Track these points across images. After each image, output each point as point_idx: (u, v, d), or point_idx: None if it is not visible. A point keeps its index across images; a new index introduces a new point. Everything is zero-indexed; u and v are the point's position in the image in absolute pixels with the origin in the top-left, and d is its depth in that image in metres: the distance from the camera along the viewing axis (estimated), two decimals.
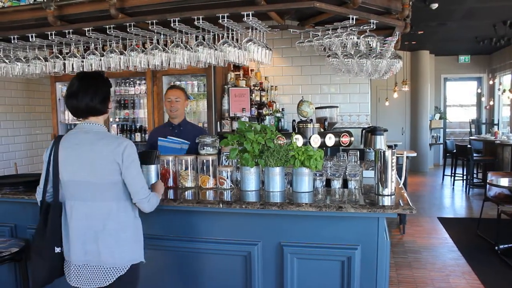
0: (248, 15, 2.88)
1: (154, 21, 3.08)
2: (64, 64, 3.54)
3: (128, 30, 3.19)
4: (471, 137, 10.74)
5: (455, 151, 9.36)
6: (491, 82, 11.91)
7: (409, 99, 11.78)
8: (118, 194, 2.22)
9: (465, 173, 8.99)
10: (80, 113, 2.28)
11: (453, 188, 9.25)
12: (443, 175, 10.00)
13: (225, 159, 3.04)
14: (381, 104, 11.27)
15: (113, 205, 2.21)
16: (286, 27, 3.59)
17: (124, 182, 2.21)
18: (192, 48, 3.18)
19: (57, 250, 2.27)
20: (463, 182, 9.16)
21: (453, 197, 8.55)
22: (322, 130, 3.77)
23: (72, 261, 2.23)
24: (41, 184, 2.35)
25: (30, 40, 3.45)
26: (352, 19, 3.05)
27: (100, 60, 3.44)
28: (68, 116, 5.92)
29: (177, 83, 5.75)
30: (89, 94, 2.23)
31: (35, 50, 3.70)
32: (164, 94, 3.90)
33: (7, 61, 3.68)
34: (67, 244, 2.25)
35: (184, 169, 2.93)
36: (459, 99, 13.64)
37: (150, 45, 3.31)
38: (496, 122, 11.61)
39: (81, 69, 3.49)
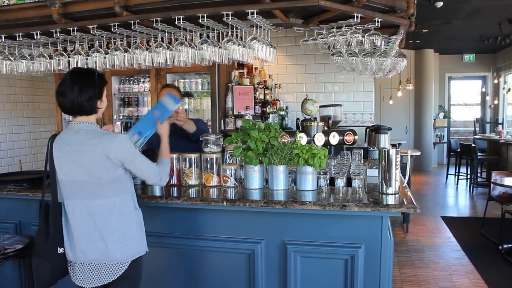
0: (252, 13, 2.88)
1: (159, 19, 3.09)
2: (69, 61, 3.56)
3: (132, 28, 3.20)
4: (475, 136, 10.70)
5: (459, 150, 9.33)
6: (495, 81, 11.86)
7: (413, 97, 11.75)
8: (119, 189, 2.20)
9: (469, 172, 8.96)
10: (67, 111, 2.22)
11: (457, 187, 9.23)
12: (447, 174, 9.97)
13: (229, 157, 3.04)
14: (385, 102, 11.24)
15: (116, 200, 2.18)
16: (291, 25, 3.59)
17: (131, 173, 2.25)
18: (196, 46, 3.18)
19: (60, 250, 2.23)
20: (467, 181, 9.13)
21: (457, 196, 8.53)
22: (326, 128, 3.77)
23: (79, 260, 2.19)
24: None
25: (35, 37, 3.47)
26: (357, 17, 3.05)
27: (105, 57, 3.45)
28: None
29: (181, 81, 5.76)
30: (75, 91, 2.15)
31: (40, 48, 3.71)
32: (159, 93, 3.85)
33: (12, 58, 3.70)
34: (69, 244, 2.21)
35: (188, 166, 2.93)
36: (464, 98, 13.59)
37: (155, 42, 3.32)
38: (500, 121, 11.54)
39: (85, 67, 3.50)
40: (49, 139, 2.27)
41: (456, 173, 9.40)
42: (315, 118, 3.76)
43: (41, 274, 2.25)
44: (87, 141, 2.14)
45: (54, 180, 2.23)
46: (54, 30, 3.37)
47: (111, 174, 2.15)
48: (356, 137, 3.76)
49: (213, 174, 2.87)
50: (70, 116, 2.30)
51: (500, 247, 4.93)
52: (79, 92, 2.15)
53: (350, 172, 2.77)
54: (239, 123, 5.42)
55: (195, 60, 3.23)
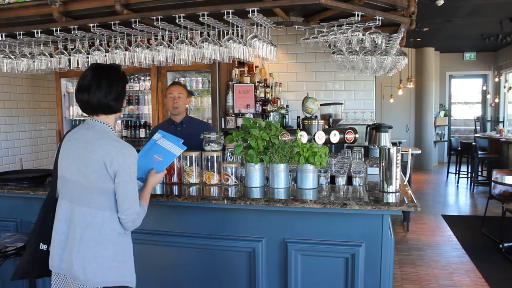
0: (253, 11, 2.87)
1: (159, 17, 3.08)
2: (69, 60, 3.56)
3: (133, 26, 3.20)
4: (476, 135, 10.70)
5: (459, 148, 9.33)
6: (496, 80, 11.85)
7: (414, 96, 11.75)
8: (106, 203, 1.97)
9: (469, 171, 8.96)
10: (90, 109, 2.05)
11: (457, 185, 9.23)
12: (448, 172, 9.97)
13: (229, 155, 3.04)
14: (385, 101, 11.24)
15: (97, 214, 1.95)
16: (291, 23, 3.58)
17: (115, 192, 1.97)
18: (197, 44, 3.18)
19: (43, 247, 2.11)
20: (467, 179, 9.13)
21: (458, 194, 8.53)
22: (326, 127, 3.77)
23: (50, 265, 2.04)
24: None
25: (36, 36, 3.46)
26: (358, 15, 3.04)
27: (105, 56, 3.45)
28: (72, 112, 5.94)
29: (182, 79, 5.76)
30: (103, 89, 2.00)
31: (41, 46, 3.71)
32: (166, 91, 3.87)
33: (12, 57, 3.69)
34: (50, 245, 2.07)
35: (188, 165, 2.94)
36: (464, 97, 13.59)
37: (155, 41, 3.32)
38: (501, 119, 11.54)
39: (86, 65, 3.49)
40: (64, 134, 2.16)
41: (457, 172, 9.40)
42: (316, 117, 3.76)
43: (21, 262, 2.19)
44: (93, 140, 1.98)
45: (55, 174, 2.11)
46: (54, 29, 3.36)
47: (101, 183, 1.94)
48: (357, 135, 3.76)
49: (214, 172, 2.87)
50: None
51: (500, 245, 4.93)
52: (109, 90, 2.01)
53: (351, 170, 2.77)
54: (240, 121, 5.42)
55: (195, 59, 3.23)
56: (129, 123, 5.90)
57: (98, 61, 3.47)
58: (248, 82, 5.72)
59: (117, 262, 1.99)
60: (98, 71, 2.05)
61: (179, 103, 3.65)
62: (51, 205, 2.12)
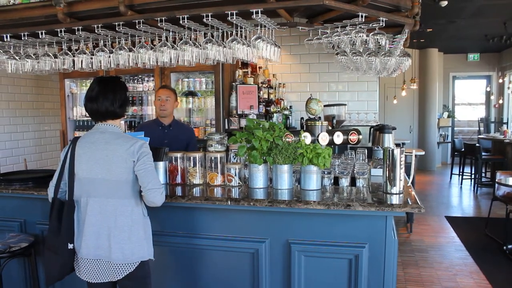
0: (257, 12, 2.88)
1: (163, 18, 3.09)
2: (73, 61, 3.57)
3: (137, 27, 3.20)
4: (479, 136, 10.65)
5: (463, 149, 9.30)
6: (500, 80, 11.81)
7: (417, 97, 11.72)
8: (131, 192, 2.29)
9: (473, 172, 8.93)
10: (99, 116, 2.36)
11: (461, 187, 9.20)
12: (451, 174, 9.94)
13: (233, 156, 3.04)
14: (389, 102, 11.22)
15: (126, 202, 2.27)
16: (295, 24, 3.58)
17: (137, 176, 2.27)
18: (200, 45, 3.18)
19: (70, 246, 2.31)
20: (471, 181, 9.10)
21: (461, 196, 8.50)
22: (330, 128, 3.76)
23: (83, 255, 2.28)
24: (53, 181, 2.39)
25: (40, 37, 3.48)
26: (361, 16, 3.04)
27: (109, 57, 3.45)
28: (76, 113, 5.96)
29: (185, 80, 5.77)
30: (109, 99, 2.32)
31: (45, 47, 3.72)
32: (155, 93, 3.97)
33: (17, 57, 3.70)
34: (79, 240, 2.30)
35: (192, 166, 2.94)
36: (468, 98, 13.56)
37: (159, 42, 3.32)
38: (505, 120, 11.50)
39: (90, 66, 3.52)
40: (71, 141, 2.39)
41: (460, 173, 9.37)
42: (319, 118, 3.76)
43: (52, 268, 2.33)
44: (111, 140, 2.29)
45: (72, 178, 2.31)
46: (59, 30, 3.37)
47: (127, 175, 2.26)
48: (360, 136, 3.76)
49: (218, 173, 2.87)
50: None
51: (504, 247, 4.92)
52: (114, 99, 2.34)
53: (354, 171, 2.77)
54: (243, 122, 5.42)
55: (199, 60, 3.23)
56: (133, 124, 5.92)
57: (102, 62, 3.49)
58: (252, 83, 5.72)
59: (145, 240, 2.34)
60: (103, 84, 2.37)
61: (167, 106, 3.84)
62: (71, 207, 2.32)
